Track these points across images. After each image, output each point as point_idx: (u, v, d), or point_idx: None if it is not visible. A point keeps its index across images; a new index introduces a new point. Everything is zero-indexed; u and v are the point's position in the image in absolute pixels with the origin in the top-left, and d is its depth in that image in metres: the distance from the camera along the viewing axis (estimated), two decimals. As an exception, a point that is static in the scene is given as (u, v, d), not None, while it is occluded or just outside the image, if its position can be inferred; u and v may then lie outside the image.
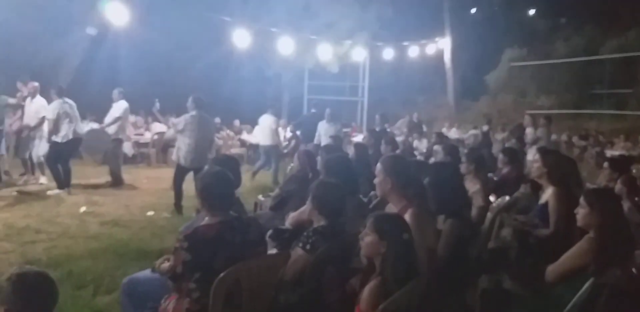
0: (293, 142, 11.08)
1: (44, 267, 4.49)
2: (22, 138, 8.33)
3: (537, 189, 4.09)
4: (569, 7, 21.43)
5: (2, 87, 8.48)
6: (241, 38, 11.69)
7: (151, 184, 8.85)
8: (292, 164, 6.71)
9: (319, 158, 4.77)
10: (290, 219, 3.57)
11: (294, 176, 4.83)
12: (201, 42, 13.92)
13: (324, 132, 9.13)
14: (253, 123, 13.48)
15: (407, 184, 3.03)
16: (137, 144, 11.29)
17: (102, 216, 6.43)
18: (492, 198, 4.32)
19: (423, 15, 19.30)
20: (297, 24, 14.19)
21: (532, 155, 8.10)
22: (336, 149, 5.13)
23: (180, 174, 6.79)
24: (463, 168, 4.48)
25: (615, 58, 18.15)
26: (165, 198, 7.28)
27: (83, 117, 9.01)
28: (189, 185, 6.81)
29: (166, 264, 2.84)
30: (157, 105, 7.26)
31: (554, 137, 11.23)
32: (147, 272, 3.17)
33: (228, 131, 13.37)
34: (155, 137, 11.19)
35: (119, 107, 8.40)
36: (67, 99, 7.71)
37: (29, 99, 8.12)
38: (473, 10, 23.86)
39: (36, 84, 8.18)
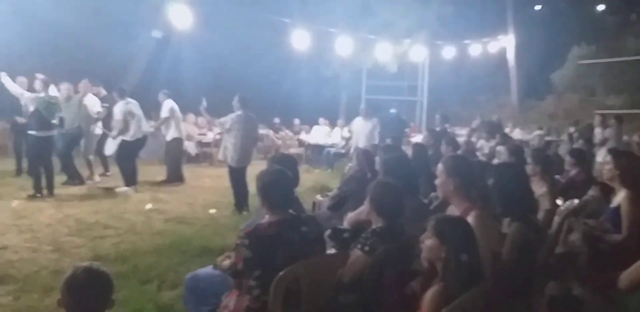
0: (350, 142, 11.08)
1: (112, 261, 4.71)
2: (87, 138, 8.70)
3: (607, 192, 3.88)
4: (639, 2, 20.33)
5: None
6: (300, 39, 11.81)
7: (213, 182, 9.07)
8: (349, 164, 6.69)
9: (377, 158, 4.74)
10: (349, 219, 3.56)
11: (352, 176, 4.82)
12: (260, 43, 14.16)
13: (360, 130, 8.94)
14: (311, 123, 13.62)
15: (469, 185, 2.95)
16: (200, 144, 11.60)
17: (167, 213, 6.64)
18: (559, 201, 4.15)
19: (485, 13, 18.84)
20: (356, 24, 14.16)
21: (601, 156, 7.75)
22: (395, 149, 5.07)
23: (232, 173, 6.91)
24: (529, 169, 4.33)
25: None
26: (227, 196, 7.43)
27: (149, 118, 9.36)
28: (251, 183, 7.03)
29: (227, 261, 2.89)
30: (204, 103, 7.37)
31: (625, 138, 10.70)
32: (209, 269, 3.25)
33: (287, 131, 13.52)
34: (217, 136, 11.45)
35: (165, 108, 8.74)
36: (129, 99, 8.05)
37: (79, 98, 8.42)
38: (538, 7, 23.02)
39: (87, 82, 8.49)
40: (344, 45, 13.18)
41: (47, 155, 7.27)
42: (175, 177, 8.95)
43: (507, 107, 21.36)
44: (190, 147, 11.40)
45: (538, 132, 13.95)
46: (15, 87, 7.51)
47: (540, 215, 3.86)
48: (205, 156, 11.66)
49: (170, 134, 8.91)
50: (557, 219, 3.75)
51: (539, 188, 4.10)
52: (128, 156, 8.00)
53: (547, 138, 13.24)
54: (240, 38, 14.01)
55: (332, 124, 13.24)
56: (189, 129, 11.57)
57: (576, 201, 4.01)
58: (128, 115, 7.88)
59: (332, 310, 2.70)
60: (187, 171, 10.12)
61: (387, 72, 16.11)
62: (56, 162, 7.81)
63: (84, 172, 8.51)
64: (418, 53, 15.81)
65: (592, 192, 4.17)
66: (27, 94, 7.27)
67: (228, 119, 6.85)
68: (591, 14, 22.82)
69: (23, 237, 5.31)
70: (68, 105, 7.86)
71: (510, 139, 9.05)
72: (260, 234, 2.54)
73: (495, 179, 3.06)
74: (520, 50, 20.49)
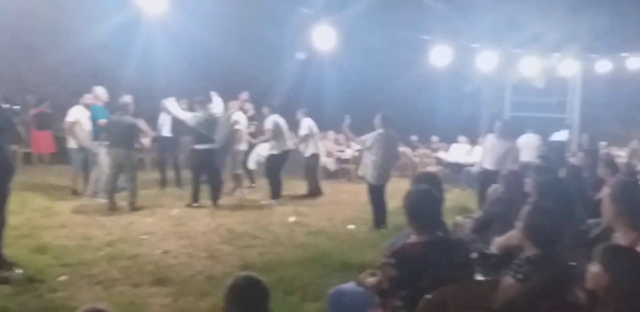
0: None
1: (259, 271, 4.94)
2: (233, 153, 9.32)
3: None
4: None
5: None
6: (440, 55, 11.69)
7: (351, 198, 9.23)
8: (494, 185, 6.41)
9: (527, 179, 4.50)
10: (497, 244, 3.42)
11: (498, 198, 4.61)
12: (399, 61, 14.22)
13: (491, 149, 8.39)
14: (450, 141, 13.33)
15: (635, 212, 2.70)
16: (338, 160, 11.89)
17: (308, 227, 6.89)
18: None
19: (645, 22, 17.08)
20: (500, 38, 13.66)
21: None
22: (550, 170, 4.77)
23: (372, 190, 6.97)
24: None
25: None
26: (365, 212, 7.52)
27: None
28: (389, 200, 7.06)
29: (371, 279, 2.92)
30: (348, 121, 7.55)
31: None
32: (351, 285, 3.30)
33: (424, 149, 13.35)
34: (356, 153, 11.66)
35: (304, 125, 9.15)
36: (278, 116, 8.58)
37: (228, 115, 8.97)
38: None
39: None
40: (486, 61, 12.79)
41: (210, 167, 7.92)
42: (315, 192, 9.32)
43: (672, 126, 19.07)
44: (329, 163, 11.73)
45: None
46: (177, 110, 8.28)
47: None
48: (343, 172, 11.91)
49: (309, 151, 9.34)
50: None
51: None
52: (275, 169, 8.49)
53: None
54: (379, 57, 14.21)
55: (473, 142, 12.83)
56: (328, 145, 11.92)
57: None
58: (277, 128, 8.39)
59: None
60: (326, 186, 10.40)
61: (534, 87, 15.25)
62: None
63: (230, 185, 9.13)
64: (568, 67, 14.78)
65: None
66: (189, 114, 8.02)
67: (369, 137, 6.95)
68: None
69: (181, 243, 5.83)
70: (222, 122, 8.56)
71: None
72: (407, 254, 2.53)
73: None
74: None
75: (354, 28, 11.55)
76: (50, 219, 6.57)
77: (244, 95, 9.67)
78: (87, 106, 8.19)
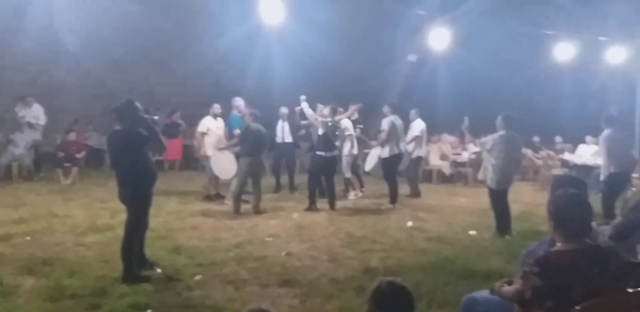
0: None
1: (381, 275, 4.93)
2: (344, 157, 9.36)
3: None
4: None
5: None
6: (564, 51, 11.01)
7: (469, 203, 8.93)
8: (633, 189, 5.89)
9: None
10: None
11: (640, 203, 4.20)
12: (518, 58, 13.58)
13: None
14: (575, 141, 12.44)
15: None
16: (454, 163, 11.56)
17: (427, 232, 6.75)
18: None
19: None
20: (632, 30, 12.55)
21: None
22: None
23: (493, 195, 6.66)
24: None
25: None
26: (486, 218, 7.23)
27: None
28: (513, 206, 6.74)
29: (508, 287, 2.78)
30: (466, 122, 7.25)
31: None
32: (485, 293, 3.16)
33: (547, 150, 12.59)
34: (473, 156, 11.28)
35: (416, 127, 8.96)
36: (397, 117, 8.52)
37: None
38: None
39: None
40: (616, 55, 11.82)
41: (330, 174, 8.07)
42: (415, 193, 9.35)
43: None
44: (444, 166, 11.45)
45: None
46: (310, 113, 8.48)
47: None
48: (459, 175, 11.56)
49: (416, 153, 9.23)
50: None
51: None
52: (391, 173, 8.43)
53: None
54: (496, 55, 13.65)
55: (601, 142, 11.87)
56: (443, 148, 11.65)
57: None
58: (392, 130, 8.32)
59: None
60: (442, 190, 10.20)
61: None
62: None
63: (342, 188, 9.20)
64: None
65: None
66: (320, 119, 8.18)
67: (489, 139, 6.66)
68: None
69: (304, 246, 5.97)
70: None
71: None
72: (553, 263, 2.38)
73: None
74: None
75: (471, 27, 11.22)
76: (183, 222, 7.03)
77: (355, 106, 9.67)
78: (215, 116, 8.67)
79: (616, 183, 7.06)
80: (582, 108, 15.38)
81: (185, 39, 14.72)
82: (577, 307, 2.27)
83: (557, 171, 11.48)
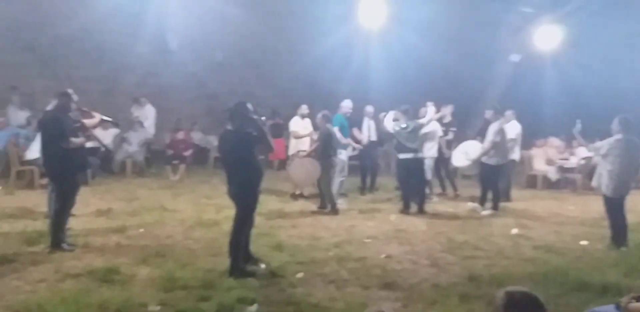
0: None
1: (486, 283, 4.78)
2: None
3: None
4: None
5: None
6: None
7: (578, 211, 8.41)
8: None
9: None
10: None
11: None
12: (634, 57, 12.62)
13: None
14: None
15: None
16: (561, 169, 10.91)
17: (534, 240, 6.42)
18: None
19: None
20: None
21: None
22: None
23: (608, 203, 6.20)
24: None
25: None
26: (598, 228, 6.79)
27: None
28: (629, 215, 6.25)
29: (637, 304, 2.58)
30: (579, 126, 6.78)
31: None
32: (609, 309, 2.94)
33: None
34: (582, 162, 10.61)
35: (511, 129, 8.62)
36: (503, 121, 8.21)
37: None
38: None
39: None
40: None
41: (417, 176, 7.95)
42: (506, 198, 8.85)
43: None
44: (550, 172, 10.85)
45: None
46: (387, 125, 8.40)
47: None
48: (566, 182, 10.90)
49: (510, 156, 8.72)
50: None
51: None
52: (493, 179, 8.09)
53: None
54: (610, 53, 12.75)
55: None
56: (549, 153, 11.05)
57: None
58: (498, 136, 7.98)
59: None
60: (547, 197, 9.71)
61: None
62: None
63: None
64: None
65: None
66: (392, 124, 8.12)
67: (605, 144, 6.22)
68: None
69: (403, 249, 5.89)
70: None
71: None
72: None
73: None
74: None
75: (580, 26, 10.56)
76: (283, 220, 7.19)
77: (449, 108, 9.43)
78: (303, 116, 8.97)
79: None
80: None
81: (283, 42, 15.10)
82: None
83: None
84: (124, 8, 12.85)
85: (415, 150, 7.92)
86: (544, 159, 10.98)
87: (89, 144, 6.66)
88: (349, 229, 6.76)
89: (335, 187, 8.04)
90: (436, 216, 7.75)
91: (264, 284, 4.65)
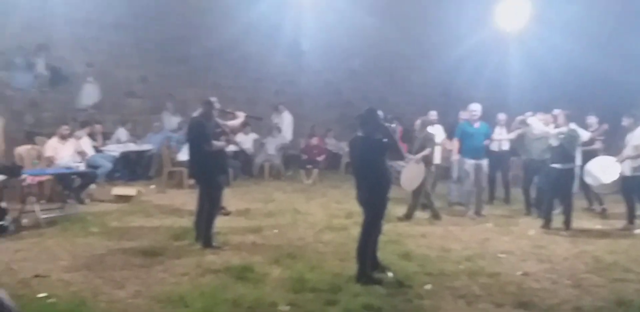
0: None
1: (636, 310, 4.29)
2: None
3: None
4: None
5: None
6: None
7: None
8: None
9: None
10: None
11: None
12: None
13: None
14: None
15: None
16: None
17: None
18: None
19: None
20: None
21: None
22: None
23: None
24: None
25: None
26: None
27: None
28: None
29: None
30: None
31: None
32: None
33: None
34: None
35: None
36: None
37: None
38: None
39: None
40: None
41: (568, 188, 7.31)
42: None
43: None
44: None
45: None
46: (540, 126, 7.84)
47: None
48: None
49: None
50: None
51: None
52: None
53: None
54: None
55: None
56: None
57: None
58: None
59: None
60: None
61: None
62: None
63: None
64: None
65: None
66: (552, 130, 7.47)
67: None
68: None
69: (542, 267, 5.48)
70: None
71: None
72: None
73: None
74: None
75: None
76: (412, 228, 7.07)
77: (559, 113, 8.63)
78: (431, 123, 8.52)
79: None
80: None
81: (416, 48, 14.95)
82: None
83: None
84: (264, 21, 13.60)
85: (573, 160, 7.33)
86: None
87: (231, 148, 7.09)
88: (482, 243, 6.45)
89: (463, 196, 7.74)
90: (582, 232, 7.12)
91: (391, 292, 4.59)
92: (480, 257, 5.75)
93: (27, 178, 6.82)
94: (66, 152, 8.42)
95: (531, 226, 7.40)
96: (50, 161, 8.14)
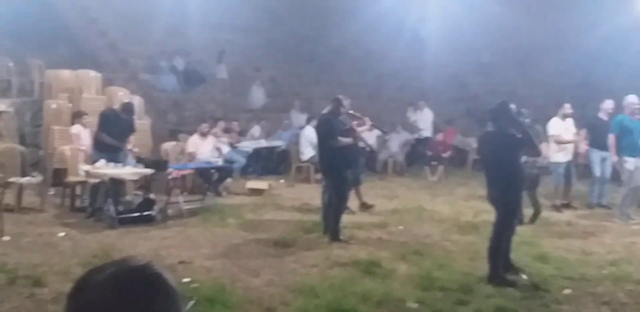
0: None
1: None
2: None
3: None
4: None
5: None
6: None
7: None
8: None
9: None
10: None
11: None
12: None
13: None
14: None
15: None
16: None
17: None
18: None
19: None
20: None
21: None
22: None
23: None
24: None
25: None
26: None
27: None
28: None
29: None
30: None
31: None
32: None
33: None
34: None
35: None
36: None
37: None
38: None
39: None
40: None
41: None
42: None
43: None
44: None
45: None
46: None
47: None
48: None
49: None
50: None
51: None
52: None
53: None
54: None
55: None
56: None
57: None
58: None
59: None
60: None
61: None
62: None
63: None
64: None
65: None
66: None
67: None
68: None
69: None
70: None
71: None
72: None
73: None
74: None
75: None
76: (548, 229, 6.64)
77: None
78: (565, 117, 7.89)
79: None
80: None
81: (549, 38, 14.06)
82: None
83: None
84: (387, 17, 13.57)
85: None
86: None
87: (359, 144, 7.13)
88: (629, 247, 5.90)
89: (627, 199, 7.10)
90: None
91: (526, 296, 4.38)
92: (626, 262, 5.28)
93: (173, 172, 7.45)
94: (206, 148, 9.05)
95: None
96: (191, 157, 8.81)
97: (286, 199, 8.38)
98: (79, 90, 9.15)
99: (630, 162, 7.15)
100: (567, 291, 4.48)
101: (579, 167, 8.32)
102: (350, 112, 6.37)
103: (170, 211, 7.17)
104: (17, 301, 4.02)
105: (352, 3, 14.12)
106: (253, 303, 4.14)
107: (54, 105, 8.77)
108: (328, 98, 7.09)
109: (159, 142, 9.32)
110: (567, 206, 8.00)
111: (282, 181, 10.24)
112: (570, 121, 8.01)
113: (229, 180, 9.01)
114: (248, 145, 10.73)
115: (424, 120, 12.16)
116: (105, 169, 6.70)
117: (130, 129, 7.51)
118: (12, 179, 7.01)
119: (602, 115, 7.95)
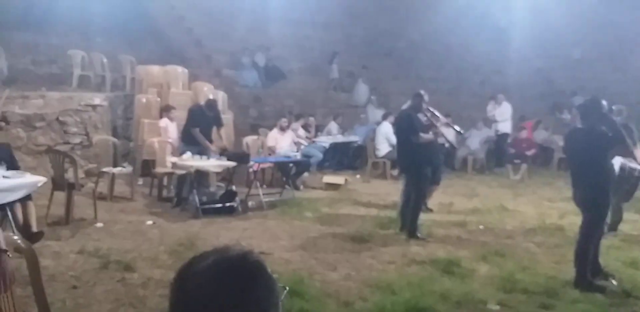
0: None
1: None
2: None
3: None
4: None
5: None
6: None
7: None
8: None
9: None
10: None
11: None
12: None
13: None
14: None
15: None
16: None
17: None
18: None
19: None
20: None
21: None
22: None
23: None
24: None
25: None
26: None
27: None
28: None
29: None
30: None
31: None
32: None
33: None
34: None
35: None
36: None
37: None
38: None
39: None
40: None
41: None
42: None
43: None
44: None
45: None
46: None
47: None
48: None
49: None
50: None
51: None
52: None
53: None
54: None
55: None
56: None
57: None
58: None
59: None
60: None
61: None
62: None
63: None
64: None
65: None
66: None
67: None
68: None
69: None
70: None
71: None
72: None
73: None
74: None
75: None
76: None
77: None
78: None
79: None
80: None
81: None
82: None
83: None
84: (469, 10, 13.19)
85: None
86: None
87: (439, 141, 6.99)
88: None
89: None
90: None
91: (615, 302, 4.16)
92: None
93: (254, 165, 7.66)
94: (285, 142, 9.23)
95: None
96: (271, 150, 9.01)
97: (362, 195, 8.38)
98: (167, 85, 9.55)
99: None
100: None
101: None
102: (428, 108, 6.25)
103: (250, 203, 7.37)
104: (109, 285, 4.27)
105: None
106: (331, 297, 4.19)
107: (143, 100, 9.22)
108: (405, 93, 7.01)
109: (241, 136, 9.59)
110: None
111: (357, 176, 10.25)
112: None
113: (306, 174, 9.13)
114: (325, 140, 10.82)
115: (502, 113, 11.58)
116: (191, 161, 7.00)
117: (215, 123, 7.79)
118: (105, 169, 7.48)
119: None
